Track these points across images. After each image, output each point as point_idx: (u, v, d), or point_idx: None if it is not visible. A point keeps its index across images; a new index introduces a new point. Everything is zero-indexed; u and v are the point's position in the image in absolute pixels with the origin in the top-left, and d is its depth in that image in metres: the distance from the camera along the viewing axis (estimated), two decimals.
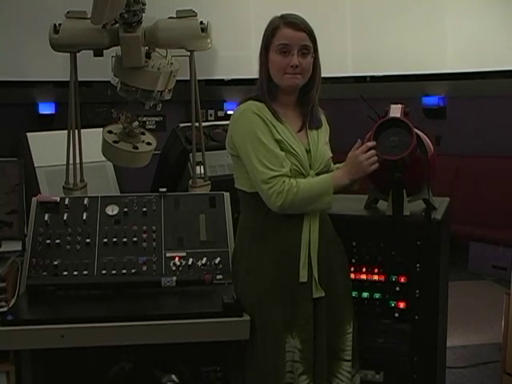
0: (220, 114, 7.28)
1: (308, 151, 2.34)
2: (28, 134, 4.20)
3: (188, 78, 3.17)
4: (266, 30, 2.34)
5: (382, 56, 6.48)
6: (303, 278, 2.30)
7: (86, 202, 2.77)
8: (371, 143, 2.33)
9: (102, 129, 3.40)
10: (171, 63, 3.20)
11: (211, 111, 7.28)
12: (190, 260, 2.63)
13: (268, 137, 2.25)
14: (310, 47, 2.30)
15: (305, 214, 2.31)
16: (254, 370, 2.33)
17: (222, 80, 7.19)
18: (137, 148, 3.34)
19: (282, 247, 2.32)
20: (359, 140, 2.36)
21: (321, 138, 2.40)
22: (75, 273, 2.59)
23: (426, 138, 2.69)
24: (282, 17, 2.33)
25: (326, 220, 2.41)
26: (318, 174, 2.34)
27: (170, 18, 3.15)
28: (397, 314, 2.59)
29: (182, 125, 3.99)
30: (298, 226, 2.31)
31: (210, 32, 3.15)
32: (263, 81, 2.34)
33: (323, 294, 2.32)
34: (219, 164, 3.80)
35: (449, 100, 6.78)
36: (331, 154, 2.44)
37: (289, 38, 2.28)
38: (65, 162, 3.20)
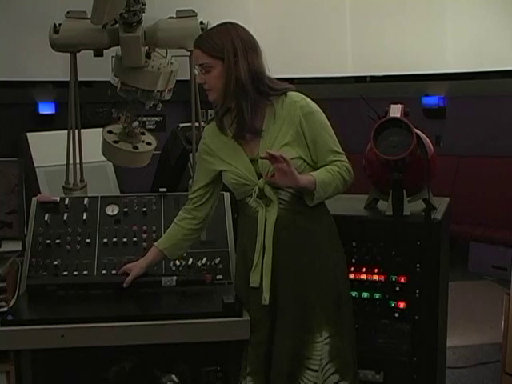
0: None
1: (256, 160, 2.30)
2: (28, 134, 4.21)
3: (188, 78, 3.17)
4: None
5: (381, 56, 6.48)
6: (253, 283, 2.29)
7: (85, 202, 2.77)
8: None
9: (102, 129, 3.40)
10: (171, 63, 3.20)
11: (211, 111, 7.24)
12: (190, 260, 2.63)
13: (200, 163, 2.44)
14: (206, 64, 2.26)
15: (257, 218, 2.29)
16: None
17: None
18: (137, 148, 3.34)
19: (243, 251, 2.37)
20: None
21: (276, 142, 2.28)
22: (75, 273, 2.59)
23: (426, 138, 2.69)
24: None
25: (293, 223, 2.30)
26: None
27: (170, 17, 3.15)
28: (397, 314, 2.59)
29: (182, 125, 3.99)
30: (254, 230, 2.31)
31: None
32: None
33: (267, 303, 2.27)
34: None
35: (449, 100, 6.78)
36: (291, 156, 2.22)
37: (194, 57, 2.34)
38: (65, 162, 3.20)
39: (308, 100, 2.34)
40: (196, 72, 2.35)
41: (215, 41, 2.26)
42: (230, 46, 2.25)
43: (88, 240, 2.67)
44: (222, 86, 2.28)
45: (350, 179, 2.33)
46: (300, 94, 2.34)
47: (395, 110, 2.60)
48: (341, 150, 2.34)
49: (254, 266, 2.30)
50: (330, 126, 2.35)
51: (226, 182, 2.38)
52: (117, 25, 3.05)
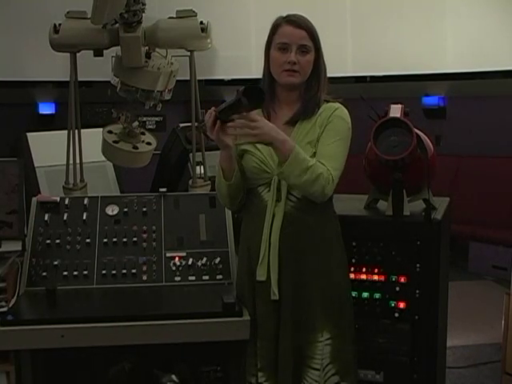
0: None
1: None
2: (28, 134, 4.20)
3: (188, 78, 3.18)
4: (270, 28, 2.35)
5: (382, 56, 6.48)
6: (260, 276, 2.29)
7: (85, 202, 2.77)
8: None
9: (101, 129, 3.40)
10: (171, 63, 3.20)
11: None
12: (190, 260, 2.63)
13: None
14: (309, 46, 2.29)
15: (265, 211, 2.29)
16: None
17: (222, 80, 7.19)
18: (137, 148, 3.34)
19: (248, 244, 2.36)
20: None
21: (304, 137, 2.30)
22: (75, 273, 2.59)
23: (426, 138, 2.69)
24: (286, 16, 2.34)
25: (300, 222, 2.30)
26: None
27: (170, 17, 3.15)
28: (397, 314, 2.59)
29: (182, 125, 3.99)
30: (261, 224, 2.30)
31: (210, 32, 3.15)
32: (265, 77, 2.37)
33: (276, 298, 2.27)
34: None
35: (449, 100, 6.78)
36: (309, 154, 2.25)
37: (288, 35, 2.28)
38: (65, 162, 3.20)
39: (346, 111, 2.37)
40: (293, 52, 2.27)
41: (314, 29, 2.33)
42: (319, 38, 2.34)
43: (88, 240, 2.67)
44: (308, 71, 2.31)
45: (327, 189, 2.22)
46: (341, 105, 2.39)
47: (395, 110, 2.60)
48: (334, 164, 2.25)
49: (260, 259, 2.29)
50: (346, 145, 2.32)
51: (245, 165, 2.32)
52: (117, 25, 3.06)
